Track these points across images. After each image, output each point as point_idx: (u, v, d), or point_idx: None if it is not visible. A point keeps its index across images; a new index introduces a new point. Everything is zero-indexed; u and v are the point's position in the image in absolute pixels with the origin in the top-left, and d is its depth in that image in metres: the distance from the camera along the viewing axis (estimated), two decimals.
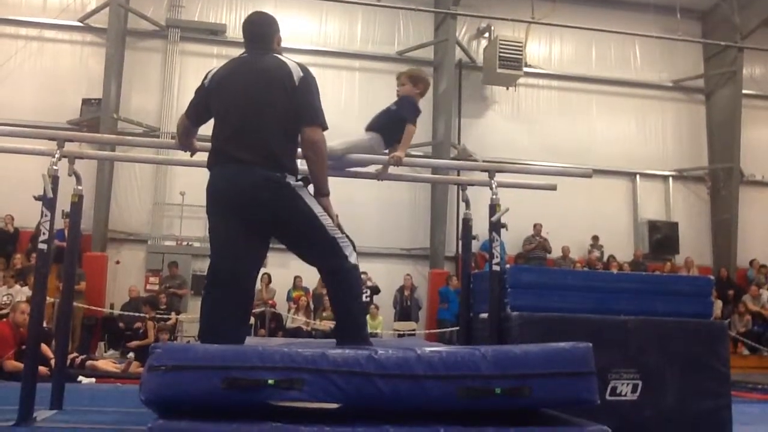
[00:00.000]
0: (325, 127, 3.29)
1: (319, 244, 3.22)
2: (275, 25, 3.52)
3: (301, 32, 13.56)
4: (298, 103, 3.23)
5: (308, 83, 3.28)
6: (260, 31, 3.47)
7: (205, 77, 3.43)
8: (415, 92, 4.42)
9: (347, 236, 3.30)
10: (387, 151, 4.40)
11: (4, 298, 9.92)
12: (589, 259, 13.48)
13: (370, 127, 4.34)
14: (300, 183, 3.24)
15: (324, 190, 3.29)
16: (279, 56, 3.37)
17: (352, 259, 3.26)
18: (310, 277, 11.37)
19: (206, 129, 3.64)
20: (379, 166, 4.53)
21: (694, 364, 4.29)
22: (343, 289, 3.26)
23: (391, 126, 4.29)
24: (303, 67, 3.32)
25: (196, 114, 3.49)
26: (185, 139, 3.71)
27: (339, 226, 3.27)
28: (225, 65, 3.44)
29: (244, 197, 3.13)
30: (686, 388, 4.23)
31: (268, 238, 3.30)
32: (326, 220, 3.22)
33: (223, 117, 3.28)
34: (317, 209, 3.22)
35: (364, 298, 12.76)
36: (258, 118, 3.20)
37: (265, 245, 3.31)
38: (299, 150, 3.34)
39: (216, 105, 3.32)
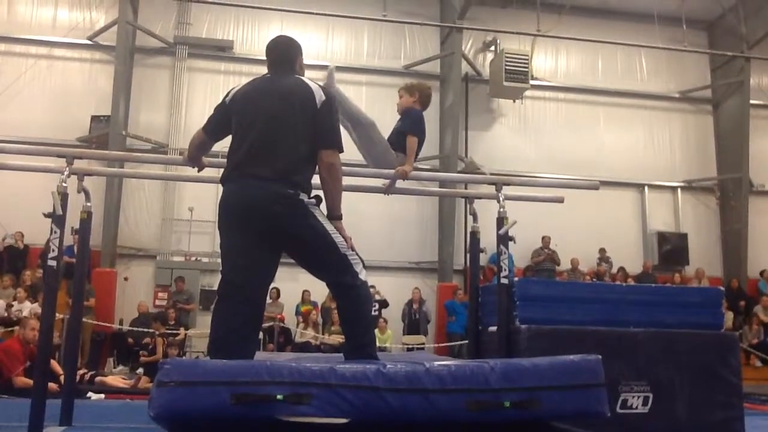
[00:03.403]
0: (341, 150, 3.33)
1: (329, 261, 3.25)
2: (297, 48, 3.59)
3: (307, 47, 13.30)
4: (319, 126, 3.28)
5: (330, 107, 3.33)
6: (283, 54, 3.53)
7: (227, 94, 3.48)
8: (411, 101, 4.46)
9: (357, 254, 3.32)
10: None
11: (17, 313, 9.95)
12: (597, 271, 13.42)
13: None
14: (313, 201, 3.27)
15: (336, 213, 3.32)
16: (301, 77, 3.43)
17: (362, 276, 3.29)
18: (319, 291, 11.37)
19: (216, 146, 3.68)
20: (387, 180, 4.55)
21: (705, 375, 4.25)
22: (353, 306, 3.28)
23: (393, 139, 4.34)
24: (326, 90, 3.37)
25: (214, 129, 3.53)
26: (197, 153, 3.74)
27: (352, 248, 3.29)
28: (247, 84, 3.48)
29: (257, 211, 3.16)
30: (697, 400, 4.20)
31: (279, 252, 3.32)
32: (338, 238, 3.25)
33: (241, 133, 3.32)
34: (329, 227, 3.25)
35: (372, 313, 12.68)
36: (276, 136, 3.23)
37: (276, 260, 3.32)
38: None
39: (235, 121, 3.36)
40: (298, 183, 3.21)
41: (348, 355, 3.25)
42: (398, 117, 4.55)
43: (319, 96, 3.31)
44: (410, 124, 4.36)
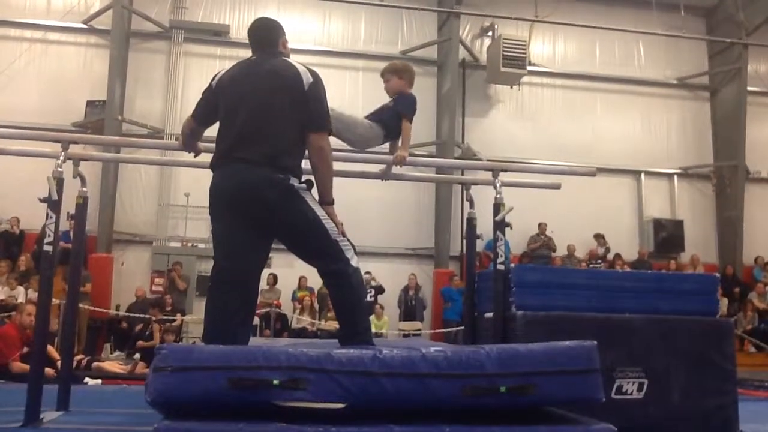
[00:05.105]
0: (331, 133, 3.30)
1: (321, 247, 3.22)
2: (279, 28, 3.54)
3: (304, 32, 13.57)
4: (307, 109, 3.24)
5: (317, 89, 3.29)
6: (265, 35, 3.49)
7: (213, 78, 3.45)
8: (402, 83, 4.31)
9: (349, 240, 3.30)
10: (389, 148, 4.40)
11: (10, 299, 9.95)
12: (590, 252, 13.47)
13: (369, 118, 4.29)
14: (303, 185, 3.24)
15: (328, 198, 3.30)
16: (287, 59, 3.39)
17: (354, 262, 3.26)
18: (315, 277, 11.23)
19: (209, 130, 3.66)
20: (383, 166, 4.53)
21: (700, 362, 4.27)
22: (346, 293, 3.25)
23: (389, 122, 4.23)
24: (312, 72, 3.33)
25: (202, 115, 3.51)
26: (190, 140, 3.73)
27: (343, 234, 3.27)
28: (233, 67, 3.45)
29: (246, 197, 3.14)
30: (692, 386, 4.22)
31: (270, 238, 3.30)
32: (328, 224, 3.22)
33: (229, 118, 3.29)
34: (320, 212, 3.23)
35: (368, 298, 12.65)
36: (264, 120, 3.20)
37: (268, 245, 3.31)
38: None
39: (223, 106, 3.33)
40: (288, 167, 3.18)
41: (343, 341, 3.23)
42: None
43: (307, 78, 3.26)
44: (406, 108, 4.28)
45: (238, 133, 3.21)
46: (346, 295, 3.25)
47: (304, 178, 3.27)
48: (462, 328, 8.24)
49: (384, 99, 4.44)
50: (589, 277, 4.81)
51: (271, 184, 3.13)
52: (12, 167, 10.76)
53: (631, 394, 4.13)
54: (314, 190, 3.31)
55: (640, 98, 15.03)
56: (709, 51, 15.39)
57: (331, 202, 3.31)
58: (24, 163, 9.73)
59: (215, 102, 3.38)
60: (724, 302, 12.17)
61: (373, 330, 12.10)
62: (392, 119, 4.21)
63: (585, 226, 13.62)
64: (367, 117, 4.26)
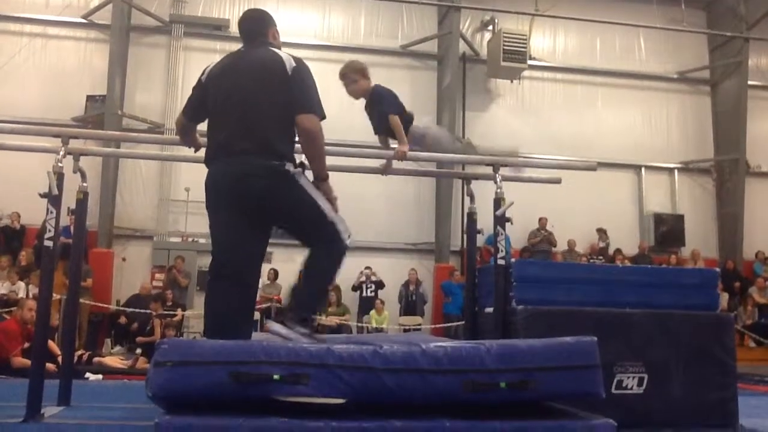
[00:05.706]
0: (321, 116, 3.27)
1: (318, 231, 3.23)
2: (268, 19, 3.54)
3: (304, 27, 13.55)
4: (292, 93, 3.23)
5: (301, 73, 3.28)
6: (253, 26, 3.49)
7: (202, 73, 3.44)
8: (368, 82, 4.32)
9: (342, 219, 3.30)
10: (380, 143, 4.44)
11: (12, 294, 9.96)
12: (591, 247, 13.47)
13: (381, 131, 4.41)
14: (299, 170, 3.25)
15: (322, 174, 3.29)
16: (273, 49, 3.39)
17: (348, 241, 3.26)
18: None
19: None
20: (384, 161, 4.53)
21: (700, 356, 4.27)
22: (326, 264, 3.24)
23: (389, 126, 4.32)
24: (296, 58, 3.33)
25: (192, 110, 3.49)
26: (185, 137, 3.71)
27: (336, 210, 3.28)
28: (220, 61, 3.45)
29: (241, 188, 3.14)
30: (692, 380, 4.22)
31: (268, 229, 3.31)
32: (325, 205, 3.23)
33: (219, 111, 3.29)
34: (315, 194, 3.23)
35: (369, 293, 12.56)
36: (253, 110, 3.21)
37: (266, 237, 3.32)
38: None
39: (212, 99, 3.33)
40: (282, 153, 3.19)
41: (292, 306, 3.21)
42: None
43: (290, 64, 3.26)
44: (387, 104, 4.30)
45: (227, 124, 3.22)
46: (325, 264, 3.24)
47: (298, 160, 3.27)
48: (462, 322, 8.25)
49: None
50: (589, 272, 4.82)
51: (267, 172, 3.14)
52: (12, 162, 10.77)
53: (631, 388, 4.13)
54: (309, 172, 3.31)
55: (641, 92, 15.00)
56: (710, 44, 15.35)
57: (326, 178, 3.30)
58: (24, 158, 9.78)
59: (204, 96, 3.37)
60: (724, 297, 12.19)
61: (374, 325, 12.14)
62: (385, 123, 4.29)
63: (585, 221, 13.62)
64: (377, 130, 4.42)
